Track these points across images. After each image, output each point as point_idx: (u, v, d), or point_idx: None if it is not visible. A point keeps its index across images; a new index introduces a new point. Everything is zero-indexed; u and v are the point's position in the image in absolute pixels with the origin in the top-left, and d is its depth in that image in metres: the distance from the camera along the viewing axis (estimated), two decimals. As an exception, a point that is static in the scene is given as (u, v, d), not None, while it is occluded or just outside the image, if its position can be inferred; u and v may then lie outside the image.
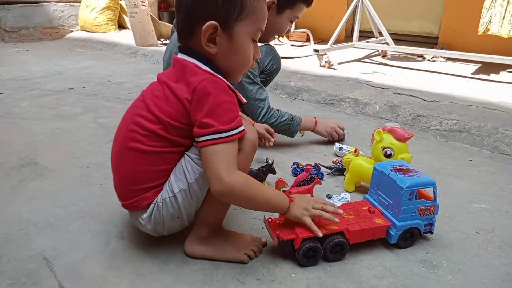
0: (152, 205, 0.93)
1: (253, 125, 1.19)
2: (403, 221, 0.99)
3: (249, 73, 1.50)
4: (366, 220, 1.00)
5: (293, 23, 1.63)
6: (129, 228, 1.10)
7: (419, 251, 1.02)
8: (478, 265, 0.97)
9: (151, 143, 0.89)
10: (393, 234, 0.99)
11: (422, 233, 1.03)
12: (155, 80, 0.97)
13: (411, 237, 1.01)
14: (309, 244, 0.92)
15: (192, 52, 0.91)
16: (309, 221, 0.92)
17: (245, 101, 0.95)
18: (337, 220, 0.94)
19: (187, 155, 0.92)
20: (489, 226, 1.13)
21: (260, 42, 1.51)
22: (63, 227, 1.11)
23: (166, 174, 0.92)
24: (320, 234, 0.92)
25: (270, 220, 0.99)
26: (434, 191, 1.01)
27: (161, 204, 0.92)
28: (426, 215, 1.01)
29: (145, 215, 0.94)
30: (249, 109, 1.55)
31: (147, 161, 0.90)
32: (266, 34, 1.22)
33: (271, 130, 1.29)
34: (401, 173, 1.01)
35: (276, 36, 1.82)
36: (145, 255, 0.99)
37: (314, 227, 0.92)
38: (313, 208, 0.94)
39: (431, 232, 1.04)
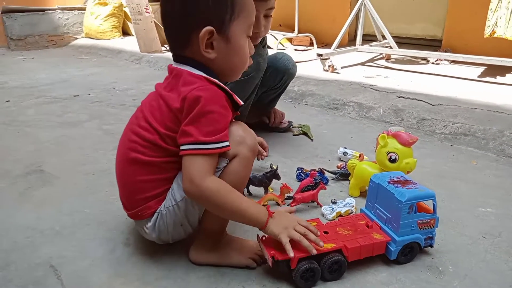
0: (156, 214, 0.93)
1: None
2: (402, 236, 0.95)
3: None
4: (365, 235, 0.96)
5: (264, 19, 1.45)
6: (134, 235, 1.10)
7: (425, 257, 1.01)
8: (485, 270, 0.96)
9: (151, 154, 0.90)
10: (392, 249, 0.95)
11: (422, 247, 0.99)
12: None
13: (411, 252, 0.98)
14: (306, 265, 0.87)
15: (187, 60, 0.91)
16: (285, 239, 0.86)
17: (242, 103, 0.94)
18: (314, 251, 0.86)
19: None
20: (495, 231, 1.13)
21: None
22: (70, 235, 1.12)
23: (168, 182, 0.93)
24: (292, 255, 0.85)
25: (263, 238, 0.94)
26: (433, 204, 0.98)
27: (164, 212, 0.92)
28: (426, 228, 0.98)
29: (149, 224, 0.94)
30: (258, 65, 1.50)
31: (149, 171, 0.91)
32: None
33: (265, 143, 1.28)
34: (399, 185, 0.98)
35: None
36: (150, 262, 0.99)
37: (288, 246, 0.85)
38: (295, 230, 0.88)
39: (431, 246, 1.01)
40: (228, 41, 0.89)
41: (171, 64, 0.95)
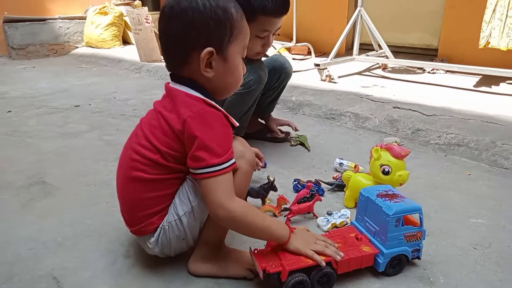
0: (158, 229, 0.96)
1: None
2: (390, 248, 0.98)
3: None
4: (354, 248, 0.99)
5: (271, 36, 1.57)
6: (135, 247, 1.13)
7: (417, 267, 1.04)
8: (475, 281, 0.99)
9: (153, 171, 0.93)
10: (381, 262, 0.98)
11: (410, 259, 1.02)
12: (158, 96, 1.01)
13: (399, 264, 1.00)
14: (297, 278, 0.90)
15: (184, 79, 0.94)
16: (310, 252, 0.92)
17: (237, 124, 0.98)
18: (338, 257, 0.93)
19: (188, 178, 0.95)
20: (486, 241, 1.16)
21: None
22: (72, 246, 1.15)
23: (170, 198, 0.96)
24: (324, 264, 0.91)
25: (256, 251, 0.97)
26: (420, 217, 1.01)
27: (167, 227, 0.96)
28: (413, 241, 1.00)
29: (152, 239, 0.98)
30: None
31: (150, 188, 0.94)
32: None
33: (260, 154, 1.32)
34: (387, 199, 1.01)
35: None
36: (150, 274, 1.02)
37: (316, 256, 0.92)
38: (315, 243, 0.95)
39: (418, 258, 1.03)
40: (226, 61, 0.94)
41: (169, 83, 0.98)
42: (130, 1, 5.74)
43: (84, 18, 5.47)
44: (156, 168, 0.93)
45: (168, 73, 0.99)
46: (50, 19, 5.32)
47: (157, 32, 4.19)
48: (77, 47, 5.48)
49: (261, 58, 1.75)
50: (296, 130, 1.97)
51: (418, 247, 1.02)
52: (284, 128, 2.02)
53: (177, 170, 0.94)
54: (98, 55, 4.84)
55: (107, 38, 5.28)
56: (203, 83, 0.94)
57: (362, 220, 1.08)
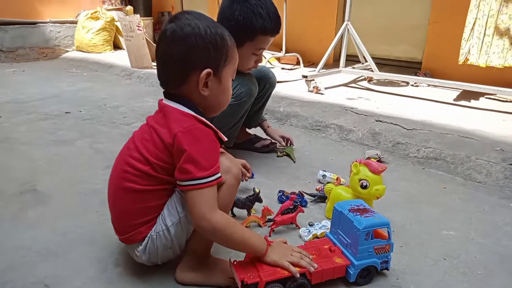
0: (146, 238, 1.02)
1: None
2: (360, 260, 1.04)
3: None
4: (327, 259, 1.05)
5: (261, 53, 1.68)
6: (124, 255, 1.18)
7: (390, 277, 1.12)
8: (443, 290, 1.07)
9: (144, 182, 0.99)
10: (351, 272, 1.04)
11: (379, 270, 1.08)
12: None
13: (368, 275, 1.07)
14: None
15: (178, 97, 1.02)
16: (286, 263, 0.99)
17: (226, 139, 1.05)
18: (312, 269, 0.99)
19: (177, 191, 1.02)
20: (455, 253, 1.24)
21: None
22: (63, 254, 1.20)
23: (159, 209, 1.02)
24: (298, 275, 0.97)
25: (235, 263, 1.02)
26: (388, 231, 1.07)
27: (155, 236, 1.02)
28: (382, 253, 1.07)
29: (140, 248, 1.03)
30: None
31: (141, 199, 1.00)
32: None
33: (248, 165, 1.40)
34: (358, 213, 1.08)
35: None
36: (139, 282, 1.08)
37: (292, 268, 0.98)
38: (291, 255, 1.01)
39: (387, 269, 1.10)
40: (220, 82, 1.03)
41: (162, 100, 1.05)
42: (122, 7, 5.78)
43: (75, 23, 5.50)
44: (147, 179, 0.99)
45: (158, 81, 1.05)
46: (41, 22, 5.33)
47: (149, 40, 4.20)
48: (67, 51, 5.49)
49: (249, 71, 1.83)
50: (291, 144, 2.05)
51: (387, 259, 1.09)
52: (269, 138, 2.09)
53: (166, 181, 1.00)
54: (89, 59, 4.87)
55: (98, 43, 5.31)
56: (197, 101, 1.02)
57: (335, 233, 1.15)
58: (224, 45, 1.01)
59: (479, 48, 2.65)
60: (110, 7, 5.74)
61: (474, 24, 2.61)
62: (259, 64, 1.78)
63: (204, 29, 0.97)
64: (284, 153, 2.03)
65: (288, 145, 2.06)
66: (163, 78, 1.04)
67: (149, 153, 0.98)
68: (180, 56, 0.98)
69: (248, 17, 1.54)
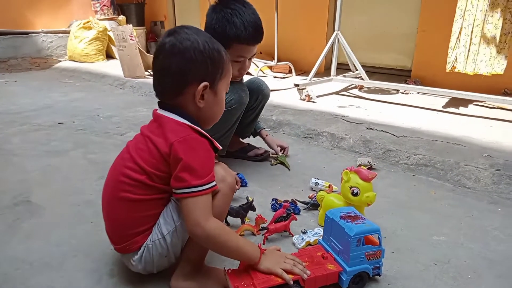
0: (142, 248, 1.04)
1: None
2: (352, 266, 1.06)
3: None
4: (320, 266, 1.07)
5: (247, 61, 1.69)
6: (118, 266, 1.19)
7: (382, 283, 1.14)
8: (433, 295, 1.10)
9: (140, 192, 1.01)
10: (344, 279, 1.06)
11: (371, 276, 1.10)
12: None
13: (361, 281, 1.09)
14: None
15: (173, 108, 1.04)
16: (280, 271, 1.00)
17: (220, 147, 1.08)
18: (305, 276, 1.01)
19: (173, 200, 1.04)
20: (445, 258, 1.27)
21: None
22: (58, 266, 1.20)
23: (154, 218, 1.04)
24: (291, 282, 0.99)
25: (229, 271, 1.03)
26: (379, 237, 1.09)
27: (151, 245, 1.03)
28: (373, 259, 1.09)
29: (136, 257, 1.05)
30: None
31: (137, 208, 1.02)
32: None
33: (237, 178, 1.42)
34: (349, 220, 1.10)
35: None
36: (134, 292, 1.09)
37: (285, 275, 1.00)
38: (285, 263, 1.03)
39: (379, 274, 1.12)
40: (216, 94, 1.07)
41: (156, 110, 1.07)
42: (114, 16, 5.81)
43: (68, 32, 5.50)
44: (143, 189, 1.01)
45: (151, 90, 1.09)
46: (33, 32, 5.33)
47: (141, 49, 4.22)
48: (60, 61, 5.49)
49: (241, 80, 1.86)
50: (286, 155, 2.08)
51: (378, 265, 1.11)
52: (264, 146, 2.11)
53: (162, 190, 1.02)
54: (82, 69, 4.87)
55: (90, 52, 5.32)
56: (192, 112, 1.05)
57: (328, 240, 1.17)
58: (221, 60, 1.05)
59: (465, 56, 2.71)
60: (103, 17, 5.76)
61: (460, 33, 2.67)
62: (254, 76, 1.81)
63: (202, 44, 1.01)
64: (278, 161, 2.05)
65: (283, 154, 2.08)
66: (158, 88, 1.06)
67: (145, 163, 1.00)
68: (178, 69, 1.01)
69: (223, 26, 1.57)
